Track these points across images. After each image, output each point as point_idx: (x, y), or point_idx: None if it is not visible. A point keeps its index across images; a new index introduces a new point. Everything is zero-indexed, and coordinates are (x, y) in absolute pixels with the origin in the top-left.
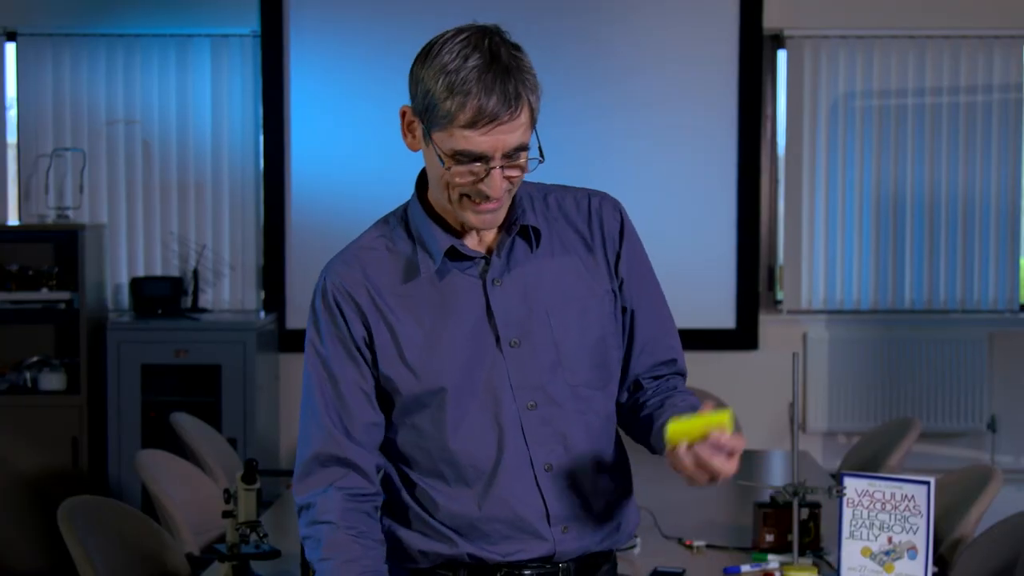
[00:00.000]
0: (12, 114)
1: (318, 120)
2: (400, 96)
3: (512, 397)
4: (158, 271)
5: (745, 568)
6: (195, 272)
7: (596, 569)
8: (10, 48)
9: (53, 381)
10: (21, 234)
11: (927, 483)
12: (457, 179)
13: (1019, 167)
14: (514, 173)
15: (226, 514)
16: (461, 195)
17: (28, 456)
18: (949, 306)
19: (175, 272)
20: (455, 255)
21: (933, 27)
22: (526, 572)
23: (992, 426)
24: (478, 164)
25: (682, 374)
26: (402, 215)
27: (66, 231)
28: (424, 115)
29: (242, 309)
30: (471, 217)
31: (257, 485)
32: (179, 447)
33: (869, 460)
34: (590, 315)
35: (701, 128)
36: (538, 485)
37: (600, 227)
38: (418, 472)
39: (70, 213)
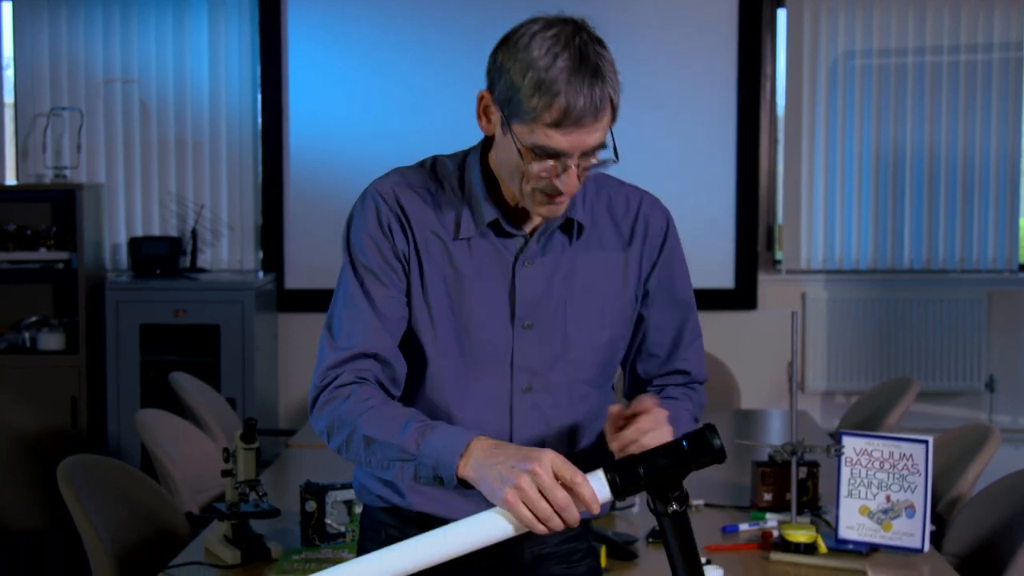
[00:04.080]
0: (9, 74)
1: (316, 79)
2: (398, 55)
3: (510, 376)
4: (156, 231)
5: (743, 527)
6: (193, 232)
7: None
8: (7, 7)
9: (52, 341)
10: (19, 194)
11: (925, 442)
12: (534, 173)
13: (1019, 127)
14: (586, 166)
15: (225, 473)
16: (534, 189)
17: (27, 416)
18: (948, 266)
19: (173, 232)
20: (497, 229)
21: None
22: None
23: (990, 385)
24: (555, 161)
25: (698, 382)
26: (460, 163)
27: (64, 191)
28: (506, 105)
29: (240, 269)
30: (540, 209)
31: (256, 444)
32: (178, 407)
33: (867, 419)
34: (607, 316)
35: (700, 87)
36: None
37: (644, 232)
38: None
39: (68, 173)
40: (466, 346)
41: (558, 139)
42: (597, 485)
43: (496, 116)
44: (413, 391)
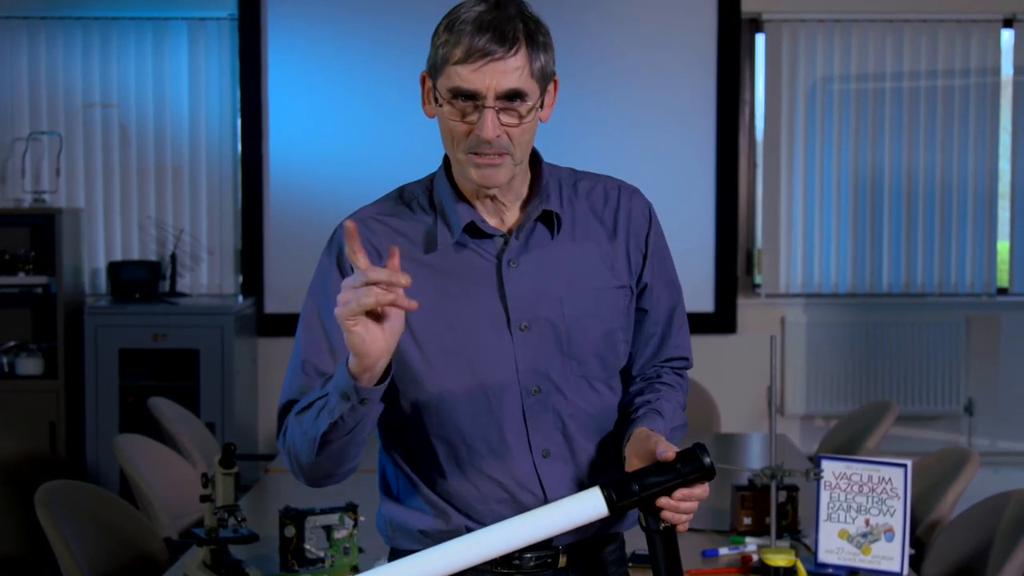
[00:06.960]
0: None
1: (295, 103)
2: (376, 80)
3: (517, 380)
4: (135, 255)
5: (723, 551)
6: (173, 256)
7: (601, 550)
8: None
9: (30, 366)
10: None
11: (904, 466)
12: (453, 121)
13: (996, 151)
14: (511, 120)
15: (204, 498)
16: (467, 151)
17: (5, 441)
18: (926, 290)
19: (153, 256)
20: (474, 232)
21: (911, 11)
22: (527, 555)
23: (969, 409)
24: (471, 103)
25: (688, 368)
26: (427, 185)
27: (43, 215)
28: (432, 70)
29: (220, 293)
30: (473, 171)
31: (235, 469)
32: (157, 431)
33: (847, 443)
34: (602, 306)
35: (679, 112)
36: (536, 470)
37: (627, 222)
38: (414, 448)
39: (47, 197)
40: (465, 360)
41: (468, 76)
42: (595, 501)
43: (432, 91)
44: (424, 414)
